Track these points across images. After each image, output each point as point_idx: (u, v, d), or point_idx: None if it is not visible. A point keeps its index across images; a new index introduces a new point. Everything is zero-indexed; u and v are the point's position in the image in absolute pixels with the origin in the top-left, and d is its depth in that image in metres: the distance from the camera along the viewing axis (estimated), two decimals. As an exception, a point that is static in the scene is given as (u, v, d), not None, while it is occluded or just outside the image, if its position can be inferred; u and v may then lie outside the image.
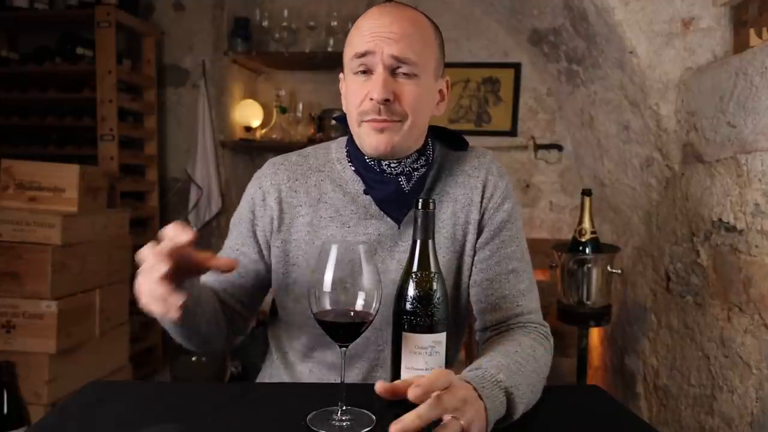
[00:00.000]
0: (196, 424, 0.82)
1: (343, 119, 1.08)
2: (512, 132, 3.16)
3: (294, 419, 0.82)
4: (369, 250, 0.82)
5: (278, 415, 0.86)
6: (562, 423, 0.89)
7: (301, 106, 3.27)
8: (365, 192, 1.05)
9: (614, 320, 2.40)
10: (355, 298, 0.80)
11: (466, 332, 1.29)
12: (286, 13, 3.17)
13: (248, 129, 3.25)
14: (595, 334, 2.76)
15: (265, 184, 1.09)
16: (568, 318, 2.16)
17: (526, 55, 3.09)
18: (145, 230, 3.09)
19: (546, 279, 2.75)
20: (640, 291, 2.26)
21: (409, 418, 0.70)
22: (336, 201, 1.07)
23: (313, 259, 1.02)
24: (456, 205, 1.07)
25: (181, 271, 0.81)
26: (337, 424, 0.80)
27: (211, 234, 3.16)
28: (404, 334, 0.85)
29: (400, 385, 0.77)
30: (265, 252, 1.09)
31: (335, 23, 3.12)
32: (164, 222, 3.20)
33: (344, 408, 0.82)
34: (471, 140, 1.13)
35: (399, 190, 1.02)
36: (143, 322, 3.05)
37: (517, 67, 3.13)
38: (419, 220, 0.87)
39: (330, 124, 3.15)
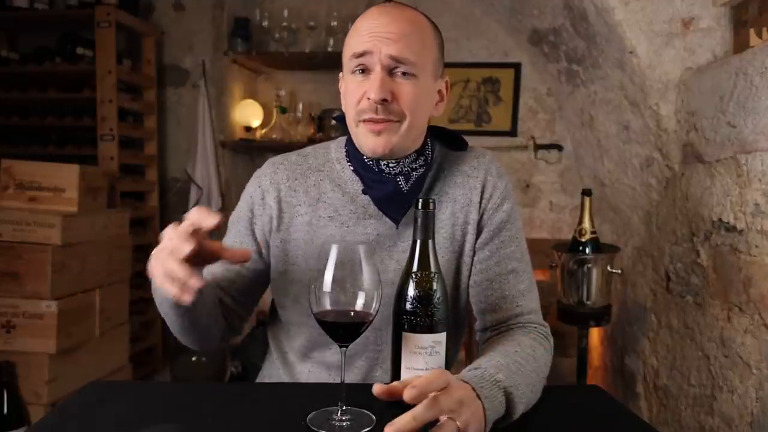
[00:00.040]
0: (196, 424, 0.82)
1: (342, 119, 1.08)
2: (512, 132, 3.16)
3: (294, 419, 0.82)
4: (369, 250, 0.82)
5: (278, 415, 0.86)
6: (562, 423, 0.89)
7: (301, 106, 3.27)
8: (364, 192, 1.05)
9: (614, 320, 2.40)
10: (355, 298, 0.80)
11: (466, 332, 1.29)
12: (286, 13, 3.17)
13: (248, 129, 3.25)
14: (595, 334, 2.76)
15: (265, 183, 1.09)
16: (568, 318, 2.16)
17: (526, 55, 3.09)
18: (145, 230, 3.09)
19: (546, 279, 2.75)
20: (640, 291, 2.27)
21: (403, 420, 0.70)
22: (335, 201, 1.07)
23: (312, 259, 1.02)
24: (455, 205, 1.07)
25: (197, 258, 0.82)
26: (337, 424, 0.80)
27: (211, 234, 3.15)
28: (404, 334, 0.85)
29: (397, 387, 0.77)
30: (263, 251, 1.09)
31: (335, 23, 3.13)
32: (164, 222, 3.20)
33: (344, 408, 0.82)
34: (471, 140, 1.13)
35: (397, 190, 1.02)
36: (143, 322, 3.05)
37: (517, 67, 3.13)
38: (419, 220, 0.87)
39: (330, 124, 3.15)
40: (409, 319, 0.85)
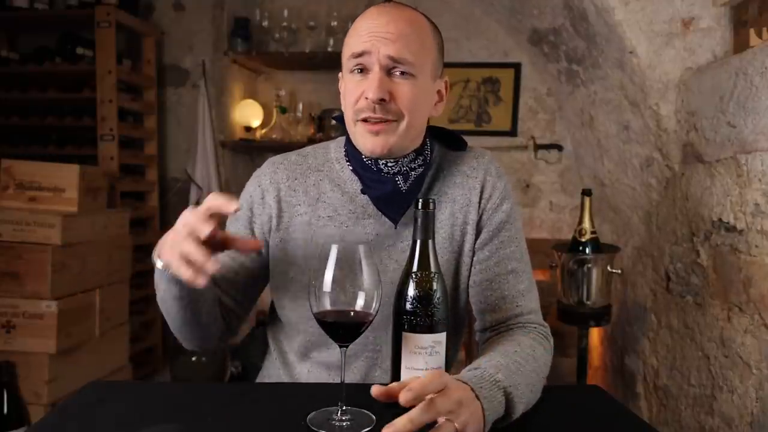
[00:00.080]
0: (196, 424, 0.82)
1: (342, 119, 1.08)
2: (512, 132, 3.16)
3: (294, 419, 0.82)
4: (369, 250, 0.82)
5: (278, 415, 0.86)
6: (562, 423, 0.89)
7: (301, 106, 3.27)
8: (362, 191, 1.05)
9: (614, 320, 2.40)
10: (355, 298, 0.80)
11: (466, 332, 1.29)
12: (286, 13, 3.17)
13: (248, 129, 3.25)
14: (595, 334, 2.76)
15: (265, 183, 1.09)
16: (568, 318, 2.16)
17: (526, 55, 3.09)
18: (145, 230, 3.09)
19: (546, 279, 2.74)
20: (640, 291, 2.27)
21: (400, 422, 0.70)
22: (334, 200, 1.07)
23: (312, 259, 1.02)
24: (454, 205, 1.07)
25: (208, 245, 0.83)
26: (337, 424, 0.80)
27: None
28: (404, 334, 0.85)
29: (395, 388, 0.77)
30: (262, 250, 1.09)
31: (335, 23, 3.13)
32: (164, 222, 3.21)
33: (344, 408, 0.82)
34: (471, 140, 1.13)
35: (396, 190, 1.02)
36: (143, 322, 3.05)
37: (517, 67, 3.13)
38: (419, 220, 0.87)
39: (330, 124, 3.15)
40: (409, 319, 0.85)
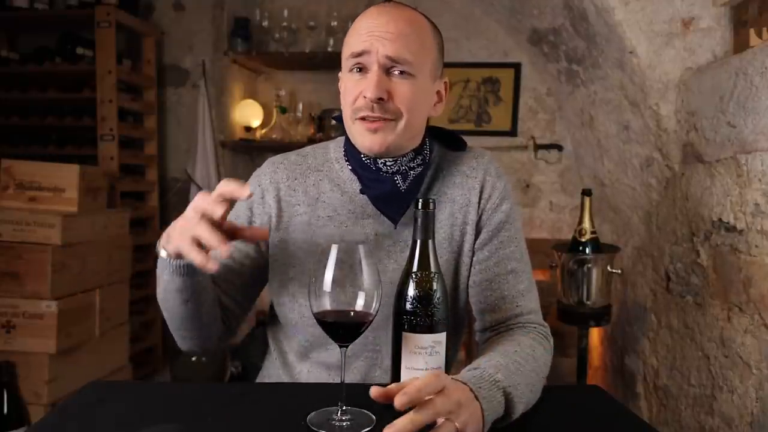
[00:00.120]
0: (196, 424, 0.82)
1: (342, 119, 1.08)
2: (512, 132, 3.16)
3: (294, 419, 0.82)
4: (369, 250, 0.82)
5: (278, 415, 0.86)
6: (562, 423, 0.89)
7: (301, 106, 3.27)
8: (361, 191, 1.05)
9: (614, 320, 2.40)
10: (355, 298, 0.80)
11: (466, 332, 1.29)
12: (286, 13, 3.17)
13: (248, 129, 3.25)
14: (595, 334, 2.76)
15: (264, 182, 1.09)
16: (568, 318, 2.16)
17: (526, 55, 3.09)
18: (145, 230, 3.09)
19: (546, 279, 2.74)
20: (640, 291, 2.27)
21: (401, 423, 0.70)
22: (334, 200, 1.07)
23: (311, 259, 1.02)
24: (454, 205, 1.07)
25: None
26: (337, 424, 0.80)
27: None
28: (404, 334, 0.85)
29: (394, 389, 0.77)
30: (262, 249, 1.09)
31: (335, 23, 3.13)
32: (164, 222, 3.21)
33: (344, 408, 0.82)
34: (471, 140, 1.13)
35: (395, 189, 1.02)
36: (143, 322, 3.05)
37: (517, 67, 3.13)
38: (419, 220, 0.87)
39: (330, 124, 3.15)
40: (409, 319, 0.85)
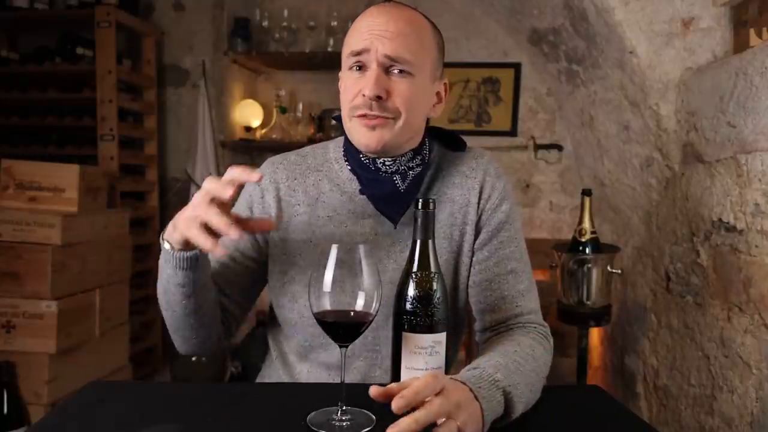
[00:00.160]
0: (196, 424, 0.82)
1: (342, 118, 1.08)
2: (512, 132, 3.16)
3: (294, 419, 0.82)
4: (369, 250, 0.82)
5: (278, 415, 0.86)
6: (562, 423, 0.89)
7: (301, 106, 3.27)
8: (361, 192, 1.05)
9: (614, 320, 2.40)
10: (355, 298, 0.80)
11: (466, 332, 1.29)
12: (286, 13, 3.17)
13: (248, 129, 3.25)
14: (595, 334, 2.76)
15: (264, 182, 1.09)
16: (568, 318, 2.16)
17: (525, 55, 3.09)
18: (145, 230, 3.10)
19: (546, 279, 2.74)
20: (640, 291, 2.27)
21: (405, 422, 0.71)
22: (333, 200, 1.07)
23: (311, 259, 1.02)
24: (453, 206, 1.07)
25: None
26: (337, 424, 0.80)
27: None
28: (404, 334, 0.85)
29: (394, 389, 0.77)
30: (262, 249, 1.09)
31: (335, 23, 3.13)
32: (164, 222, 3.20)
33: (344, 408, 0.82)
34: (471, 140, 1.13)
35: (394, 189, 1.02)
36: (143, 322, 3.05)
37: (517, 67, 3.13)
38: (419, 220, 0.87)
39: (330, 124, 3.15)
40: (409, 319, 0.85)
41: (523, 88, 3.14)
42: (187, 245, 0.91)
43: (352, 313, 0.81)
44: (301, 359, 1.10)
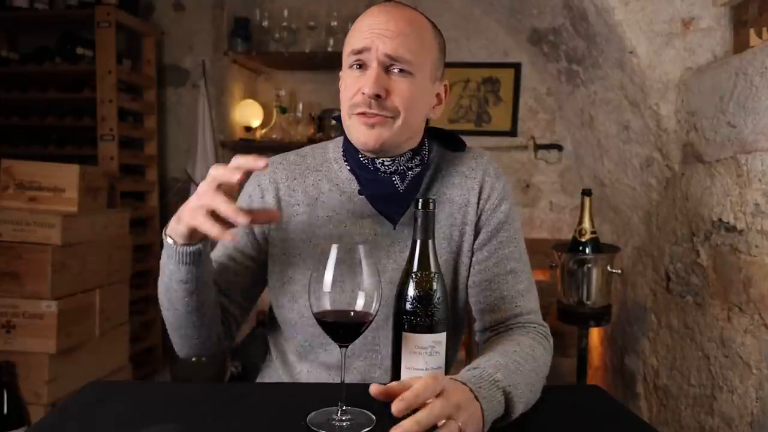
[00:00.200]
0: (196, 424, 0.82)
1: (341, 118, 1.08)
2: (512, 132, 3.16)
3: (294, 419, 0.82)
4: (369, 250, 0.82)
5: (278, 415, 0.86)
6: (562, 423, 0.89)
7: (301, 106, 3.27)
8: (360, 192, 1.05)
9: (614, 320, 2.40)
10: (355, 298, 0.80)
11: (466, 332, 1.29)
12: (286, 13, 3.17)
13: (248, 129, 3.25)
14: (595, 334, 2.76)
15: (264, 182, 1.10)
16: (568, 318, 2.16)
17: (526, 55, 3.09)
18: (145, 230, 3.10)
19: (546, 279, 2.74)
20: (640, 291, 2.27)
21: (407, 424, 0.71)
22: (333, 200, 1.07)
23: (311, 259, 1.02)
24: (453, 206, 1.07)
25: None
26: (337, 424, 0.80)
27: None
28: (404, 334, 0.85)
29: (394, 388, 0.77)
30: (262, 248, 1.09)
31: (335, 23, 3.13)
32: (164, 222, 3.20)
33: (344, 408, 0.82)
34: (471, 140, 1.14)
35: (393, 190, 1.02)
36: (143, 322, 3.05)
37: (517, 67, 3.13)
38: (419, 220, 0.87)
39: (330, 124, 3.15)
40: (409, 319, 0.85)
41: (523, 88, 3.14)
42: (190, 239, 0.91)
43: (352, 313, 0.81)
44: (301, 359, 1.10)
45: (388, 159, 1.03)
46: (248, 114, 3.23)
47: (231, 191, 0.87)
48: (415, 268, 0.87)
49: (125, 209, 2.73)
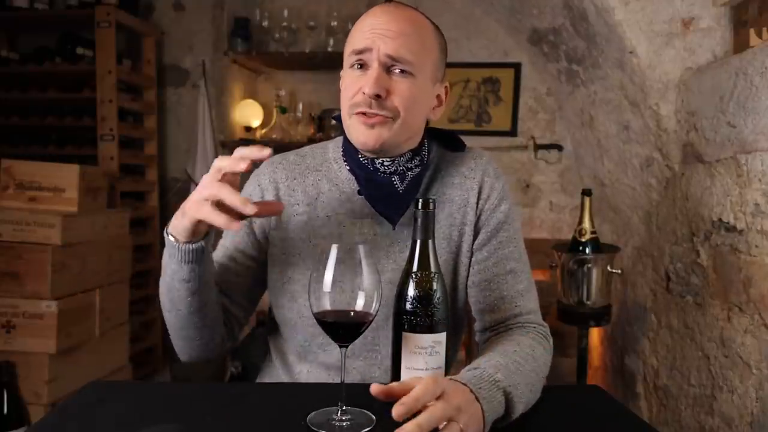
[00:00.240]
0: (196, 424, 0.82)
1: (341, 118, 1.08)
2: (512, 132, 3.16)
3: (294, 419, 0.82)
4: (369, 250, 0.82)
5: (278, 415, 0.86)
6: (562, 423, 0.89)
7: (301, 106, 3.27)
8: (359, 192, 1.05)
9: (614, 320, 2.40)
10: (355, 298, 0.80)
11: (466, 332, 1.29)
12: (286, 13, 3.17)
13: (248, 129, 3.25)
14: (595, 334, 2.76)
15: (264, 182, 1.10)
16: (568, 318, 2.16)
17: (526, 55, 3.09)
18: (145, 230, 3.10)
19: (546, 279, 2.74)
20: (640, 291, 2.27)
21: (409, 427, 0.71)
22: (332, 200, 1.07)
23: (310, 259, 1.02)
24: (452, 206, 1.08)
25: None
26: (337, 424, 0.80)
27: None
28: (404, 334, 0.85)
29: (394, 389, 0.77)
30: (262, 248, 1.09)
31: (335, 23, 3.13)
32: (164, 222, 3.20)
33: (344, 408, 0.82)
34: (471, 140, 1.14)
35: (392, 190, 1.02)
36: (143, 322, 3.05)
37: (517, 66, 3.13)
38: (419, 220, 0.87)
39: (330, 124, 3.15)
40: (409, 319, 0.85)
41: (523, 88, 3.14)
42: (193, 235, 0.90)
43: (352, 313, 0.81)
44: (301, 360, 1.10)
45: (388, 159, 1.03)
46: (248, 114, 3.23)
47: (234, 183, 0.86)
48: (415, 268, 0.87)
49: (125, 209, 2.73)
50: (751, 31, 1.66)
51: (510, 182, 3.12)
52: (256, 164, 0.93)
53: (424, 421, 0.71)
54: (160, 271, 0.99)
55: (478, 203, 1.08)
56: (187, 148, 3.20)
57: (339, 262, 0.80)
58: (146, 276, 3.05)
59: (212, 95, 3.13)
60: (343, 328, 0.83)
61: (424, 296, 0.85)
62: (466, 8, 3.13)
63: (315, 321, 0.83)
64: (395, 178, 1.03)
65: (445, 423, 0.74)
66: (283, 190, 1.08)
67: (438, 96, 1.08)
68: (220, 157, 0.86)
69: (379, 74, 0.96)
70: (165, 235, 0.94)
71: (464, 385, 0.80)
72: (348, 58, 1.01)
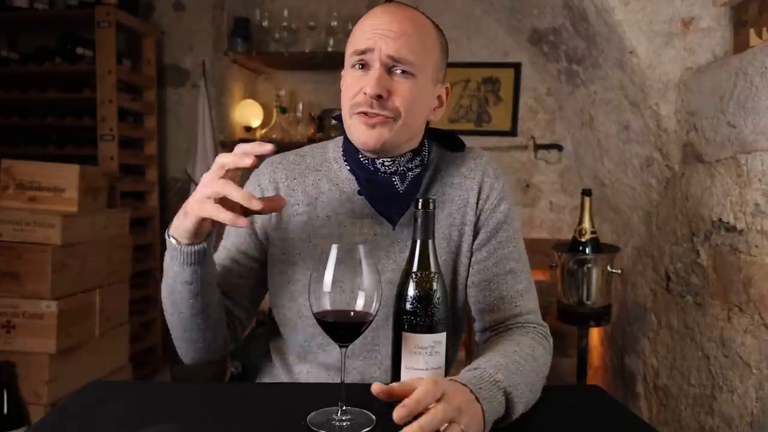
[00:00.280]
0: (196, 424, 0.82)
1: (342, 118, 1.08)
2: (512, 132, 3.16)
3: (294, 419, 0.82)
4: (369, 250, 0.82)
5: (278, 415, 0.86)
6: (562, 423, 0.89)
7: (301, 106, 3.27)
8: (359, 192, 1.05)
9: (614, 320, 2.40)
10: (355, 298, 0.80)
11: (466, 332, 1.29)
12: (286, 13, 3.17)
13: (248, 129, 3.25)
14: (595, 334, 2.76)
15: (264, 182, 1.09)
16: (568, 318, 2.16)
17: (526, 55, 3.09)
18: (145, 230, 3.10)
19: (546, 279, 2.74)
20: (640, 291, 2.27)
21: (411, 431, 0.71)
22: (332, 200, 1.07)
23: (310, 259, 1.02)
24: (452, 206, 1.08)
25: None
26: (337, 424, 0.80)
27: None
28: (404, 334, 0.85)
29: (395, 389, 0.77)
30: (264, 248, 1.09)
31: (335, 23, 3.13)
32: (164, 222, 3.21)
33: (344, 408, 0.82)
34: (471, 140, 1.14)
35: (392, 190, 1.02)
36: (143, 322, 3.05)
37: (517, 66, 3.13)
38: (419, 220, 0.87)
39: (330, 124, 3.15)
40: (409, 319, 0.85)
41: (523, 88, 3.14)
42: (195, 236, 0.90)
43: (352, 313, 0.81)
44: (301, 360, 1.10)
45: (388, 159, 1.03)
46: (248, 114, 3.23)
47: (236, 180, 0.86)
48: (415, 268, 0.87)
49: (125, 209, 2.73)
50: (751, 31, 1.66)
51: (510, 182, 3.12)
52: (259, 160, 0.93)
53: (426, 424, 0.71)
54: (160, 271, 0.99)
55: (477, 203, 1.08)
56: (187, 148, 3.20)
57: (339, 262, 0.80)
58: (146, 276, 3.05)
59: (212, 95, 3.13)
60: (343, 328, 0.83)
61: (424, 296, 0.85)
62: (466, 8, 3.13)
63: (315, 321, 0.83)
64: (395, 178, 1.03)
65: (446, 425, 0.74)
66: (283, 190, 1.08)
67: (439, 97, 1.08)
68: (221, 154, 0.86)
69: (380, 74, 0.96)
70: (166, 237, 0.93)
71: (464, 385, 0.80)
72: (349, 58, 1.01)
